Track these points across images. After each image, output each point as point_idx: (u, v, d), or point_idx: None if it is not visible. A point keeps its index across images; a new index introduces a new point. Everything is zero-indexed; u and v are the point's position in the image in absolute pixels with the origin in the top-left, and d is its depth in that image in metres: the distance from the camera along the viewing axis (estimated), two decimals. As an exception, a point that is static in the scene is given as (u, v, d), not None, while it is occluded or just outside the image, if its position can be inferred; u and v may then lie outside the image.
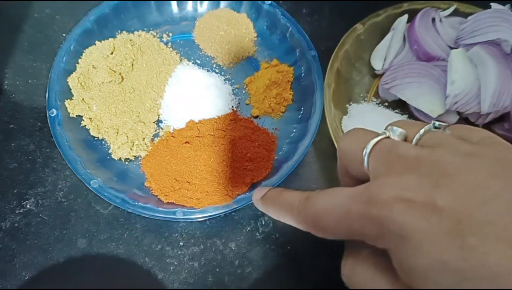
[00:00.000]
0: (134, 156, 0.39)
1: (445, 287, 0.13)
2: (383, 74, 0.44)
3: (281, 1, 0.49)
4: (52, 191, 0.39)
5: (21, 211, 0.38)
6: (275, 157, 0.39)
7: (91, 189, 0.35)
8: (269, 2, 0.45)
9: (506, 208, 0.14)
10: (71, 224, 0.37)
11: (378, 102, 0.44)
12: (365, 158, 0.19)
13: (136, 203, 0.35)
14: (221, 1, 0.46)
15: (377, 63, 0.44)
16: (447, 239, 0.14)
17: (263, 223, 0.39)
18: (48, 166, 0.39)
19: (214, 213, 0.35)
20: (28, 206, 0.38)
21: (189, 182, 0.37)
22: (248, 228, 0.39)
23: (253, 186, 0.37)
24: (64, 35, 0.45)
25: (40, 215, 0.38)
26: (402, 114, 0.43)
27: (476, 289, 0.13)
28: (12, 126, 0.41)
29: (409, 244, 0.14)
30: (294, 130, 0.40)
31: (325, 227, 0.19)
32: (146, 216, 0.35)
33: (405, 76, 0.41)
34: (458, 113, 0.41)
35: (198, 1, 0.47)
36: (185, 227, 0.38)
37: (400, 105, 0.43)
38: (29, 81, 0.43)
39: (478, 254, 0.13)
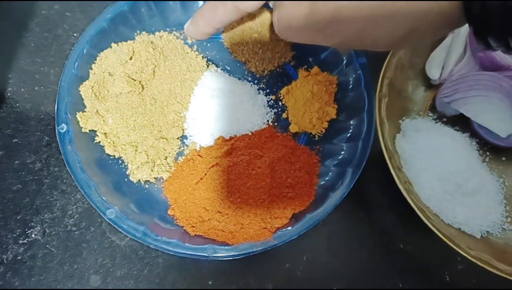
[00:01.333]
0: (155, 178, 0.34)
1: None
2: (439, 84, 0.39)
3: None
4: (61, 217, 0.34)
5: (25, 241, 0.33)
6: (319, 183, 0.34)
7: (106, 220, 0.30)
8: (310, -1, 0.39)
9: None
10: (82, 257, 0.32)
11: (435, 117, 0.38)
12: None
13: (159, 238, 0.30)
14: (254, -2, 0.40)
15: (434, 72, 0.38)
16: None
17: (305, 258, 0.33)
18: (56, 188, 0.34)
19: (251, 251, 0.30)
20: (33, 235, 0.33)
21: (220, 212, 0.32)
22: (288, 265, 0.33)
23: (294, 217, 0.32)
24: (75, 35, 0.40)
25: (47, 246, 0.33)
26: (463, 132, 0.37)
27: None
28: (16, 140, 0.36)
29: None
30: (343, 152, 0.34)
31: None
32: (171, 253, 0.30)
33: (469, 89, 0.36)
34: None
35: (227, -2, 0.41)
36: (214, 262, 0.33)
37: (460, 121, 0.37)
38: (35, 88, 0.38)
39: None
